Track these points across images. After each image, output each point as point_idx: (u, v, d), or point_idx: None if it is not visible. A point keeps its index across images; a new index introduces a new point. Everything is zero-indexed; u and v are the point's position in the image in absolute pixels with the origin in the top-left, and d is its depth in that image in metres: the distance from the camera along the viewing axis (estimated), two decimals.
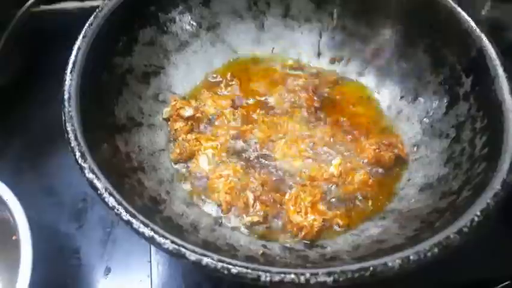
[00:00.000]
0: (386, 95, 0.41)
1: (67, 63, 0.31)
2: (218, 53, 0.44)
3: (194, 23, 0.42)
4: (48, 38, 0.50)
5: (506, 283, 0.36)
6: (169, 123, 0.38)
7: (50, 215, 0.40)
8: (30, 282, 0.29)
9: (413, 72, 0.40)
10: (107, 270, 0.38)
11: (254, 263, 0.28)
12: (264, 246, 0.31)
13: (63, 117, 0.28)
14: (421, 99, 0.39)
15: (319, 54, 0.44)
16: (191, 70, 0.42)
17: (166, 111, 0.38)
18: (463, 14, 0.35)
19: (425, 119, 0.38)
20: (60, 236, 0.40)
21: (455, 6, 0.35)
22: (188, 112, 0.38)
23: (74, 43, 0.32)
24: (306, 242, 0.32)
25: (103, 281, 0.37)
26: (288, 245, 0.32)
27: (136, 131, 0.36)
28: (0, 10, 0.42)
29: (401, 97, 0.41)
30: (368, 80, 0.43)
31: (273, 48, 0.45)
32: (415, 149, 0.37)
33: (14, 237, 0.32)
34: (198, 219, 0.32)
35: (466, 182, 0.30)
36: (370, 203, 0.35)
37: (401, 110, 0.40)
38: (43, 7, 0.51)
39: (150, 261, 0.36)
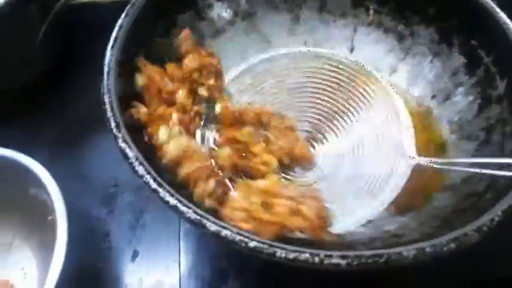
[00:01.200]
0: (416, 94, 0.41)
1: (108, 41, 0.32)
2: (252, 42, 0.44)
3: (230, 11, 0.43)
4: (85, 29, 0.53)
5: None
6: None
7: (83, 199, 0.42)
8: (65, 261, 0.30)
9: (446, 72, 0.40)
10: (136, 254, 0.39)
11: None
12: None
13: (101, 90, 0.30)
14: (453, 100, 0.39)
15: (352, 50, 0.45)
16: (224, 57, 0.43)
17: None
18: (501, 14, 0.34)
19: (455, 120, 0.38)
20: (92, 219, 0.42)
21: (494, 6, 0.35)
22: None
23: (111, 31, 0.34)
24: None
25: (131, 265, 0.39)
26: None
27: None
28: (39, 3, 0.44)
29: (433, 96, 0.40)
30: (400, 78, 0.42)
31: (306, 41, 0.45)
32: (443, 149, 0.37)
33: (49, 218, 0.33)
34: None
35: (490, 185, 0.30)
36: None
37: (431, 109, 0.40)
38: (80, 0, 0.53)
39: (179, 246, 0.37)
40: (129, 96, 0.32)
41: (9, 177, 0.36)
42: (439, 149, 0.37)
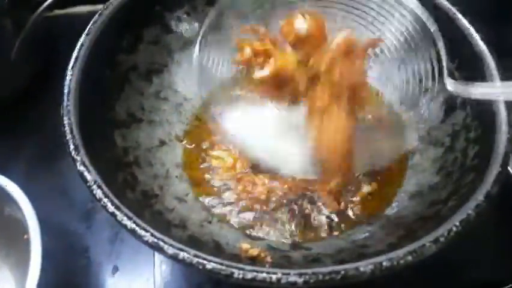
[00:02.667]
0: (386, 100, 0.41)
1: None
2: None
3: (199, 23, 0.43)
4: (62, 41, 0.52)
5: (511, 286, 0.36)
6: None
7: (61, 215, 0.42)
8: (40, 280, 0.30)
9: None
10: (115, 269, 0.39)
11: (236, 260, 0.29)
12: (250, 245, 0.32)
13: (61, 111, 0.29)
14: (420, 106, 0.39)
15: None
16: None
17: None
18: (463, 20, 0.35)
19: (422, 126, 0.38)
20: (70, 235, 0.41)
21: (456, 12, 0.35)
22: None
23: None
24: (292, 242, 0.33)
25: (110, 280, 0.39)
26: (273, 244, 0.32)
27: (135, 127, 0.37)
28: (14, 15, 0.43)
29: (401, 103, 0.40)
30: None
31: None
32: (411, 156, 0.37)
33: (25, 236, 0.33)
34: (188, 215, 0.33)
35: (454, 192, 0.30)
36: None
37: (400, 116, 0.40)
38: (56, 11, 0.53)
39: (153, 261, 0.37)
40: (92, 116, 0.32)
41: None
42: (408, 155, 0.38)
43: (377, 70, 0.42)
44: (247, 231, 0.33)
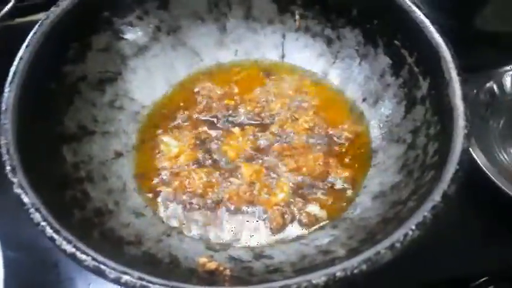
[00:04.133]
0: (348, 97, 0.40)
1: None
2: (180, 57, 0.43)
3: (153, 27, 0.42)
4: None
5: (485, 279, 0.36)
6: None
7: (30, 230, 0.39)
8: None
9: (374, 73, 0.39)
10: (87, 285, 0.37)
11: (193, 275, 0.28)
12: (211, 256, 0.31)
13: None
14: (382, 103, 0.38)
15: (283, 56, 0.44)
16: (151, 75, 0.42)
17: None
18: (418, 14, 0.34)
19: (385, 123, 0.37)
20: (40, 250, 0.38)
21: (411, 5, 0.34)
22: None
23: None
24: (255, 251, 0.32)
25: None
26: (235, 255, 0.31)
27: (87, 140, 0.35)
28: None
29: (363, 100, 0.40)
30: (332, 82, 0.42)
31: (237, 50, 0.44)
32: (374, 154, 0.37)
33: None
34: (145, 230, 0.32)
35: (414, 192, 0.29)
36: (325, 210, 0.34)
37: (362, 112, 0.39)
38: (17, 20, 0.50)
39: None
40: (35, 133, 0.30)
41: None
42: (371, 153, 0.37)
43: (340, 67, 0.41)
44: (208, 243, 0.32)
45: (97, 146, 0.36)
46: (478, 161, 0.38)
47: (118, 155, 0.37)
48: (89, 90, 0.37)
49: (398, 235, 0.24)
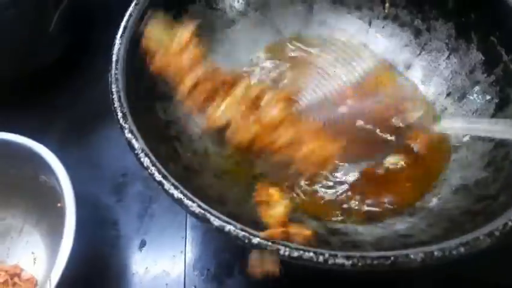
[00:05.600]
0: (431, 91, 0.40)
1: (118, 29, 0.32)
2: (264, 34, 0.44)
3: (243, 2, 0.43)
4: (101, 15, 0.52)
5: None
6: None
7: (93, 187, 0.42)
8: (73, 248, 0.31)
9: (463, 69, 0.38)
10: (143, 243, 0.40)
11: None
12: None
13: (109, 79, 0.29)
14: (469, 99, 0.38)
15: (365, 44, 0.44)
16: (236, 48, 0.43)
17: None
18: None
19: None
20: (101, 207, 0.42)
21: None
22: None
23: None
24: (329, 227, 0.32)
25: (138, 253, 0.39)
26: (312, 228, 0.32)
27: (176, 102, 0.37)
28: None
29: (447, 94, 0.39)
30: (415, 74, 0.41)
31: (320, 34, 0.44)
32: (455, 149, 0.36)
33: (58, 205, 0.34)
34: (226, 192, 0.33)
35: (504, 188, 0.29)
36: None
37: (445, 108, 0.39)
38: None
39: (185, 237, 0.38)
40: (137, 86, 0.32)
41: (20, 163, 0.36)
42: (453, 148, 0.36)
43: (425, 59, 0.41)
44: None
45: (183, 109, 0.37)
46: None
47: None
48: None
49: (497, 224, 0.24)
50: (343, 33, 0.44)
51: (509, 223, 0.24)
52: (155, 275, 0.38)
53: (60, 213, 0.32)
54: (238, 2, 0.42)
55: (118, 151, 0.45)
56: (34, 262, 0.38)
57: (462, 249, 0.23)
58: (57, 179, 0.33)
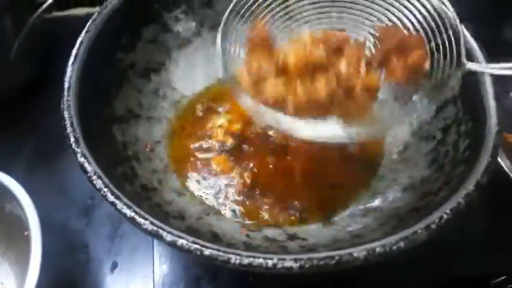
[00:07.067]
0: (380, 98, 0.42)
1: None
2: None
3: (196, 22, 0.44)
4: (61, 43, 0.52)
5: (505, 277, 0.37)
6: None
7: (61, 212, 0.42)
8: (40, 275, 0.30)
9: None
10: (114, 265, 0.40)
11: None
12: (247, 236, 0.33)
13: (61, 105, 0.30)
14: (414, 102, 0.40)
15: None
16: (192, 67, 0.44)
17: None
18: (452, 14, 0.35)
19: (415, 121, 0.39)
20: (71, 232, 0.42)
21: (447, 4, 0.36)
22: None
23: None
24: (288, 233, 0.34)
25: (109, 276, 0.39)
26: (270, 235, 0.33)
27: (134, 123, 0.38)
28: (14, 16, 0.44)
29: (395, 99, 0.41)
30: None
31: None
32: (403, 150, 0.38)
33: (25, 233, 0.33)
34: (186, 208, 0.34)
35: (445, 183, 0.31)
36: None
37: (393, 111, 0.41)
38: (55, 13, 0.53)
39: (153, 255, 0.38)
40: (91, 111, 0.32)
41: None
42: (402, 149, 0.38)
43: None
44: (245, 223, 0.34)
45: (142, 129, 0.38)
46: (502, 164, 0.39)
47: (160, 139, 0.39)
48: (137, 77, 0.40)
49: (433, 218, 0.26)
50: None
51: (445, 216, 0.26)
52: None
53: (27, 242, 0.32)
54: (192, 23, 0.44)
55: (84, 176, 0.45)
56: None
57: (402, 244, 0.25)
58: (22, 208, 0.34)
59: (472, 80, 0.33)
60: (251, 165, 0.38)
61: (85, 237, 0.41)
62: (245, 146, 0.39)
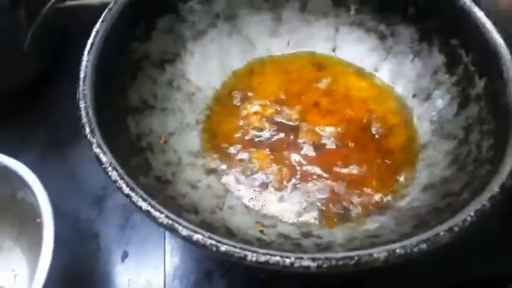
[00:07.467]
0: (399, 92, 0.41)
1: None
2: (234, 44, 0.44)
3: (212, 13, 0.43)
4: (73, 32, 0.52)
5: None
6: None
7: (72, 201, 0.42)
8: (52, 263, 0.30)
9: (427, 71, 0.40)
10: (125, 255, 0.39)
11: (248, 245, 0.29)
12: (261, 232, 0.32)
13: (77, 95, 0.30)
14: (433, 99, 0.39)
15: (334, 49, 0.45)
16: (206, 59, 0.43)
17: None
18: (480, 14, 0.34)
19: (435, 119, 0.38)
20: (82, 220, 0.42)
21: (473, 5, 0.35)
22: None
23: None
24: (303, 230, 0.33)
25: (120, 265, 0.39)
26: (285, 232, 0.32)
27: (148, 114, 0.37)
28: (27, 7, 0.43)
29: (414, 95, 0.40)
30: (383, 77, 0.42)
31: (289, 41, 0.45)
32: (423, 149, 0.37)
33: (37, 220, 0.33)
34: (200, 201, 0.33)
35: (468, 184, 0.30)
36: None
37: (412, 108, 0.40)
38: (68, 3, 0.53)
39: (164, 247, 0.38)
40: (106, 101, 0.32)
41: None
42: (420, 148, 0.37)
43: (391, 62, 0.42)
44: (259, 218, 0.33)
45: (156, 121, 0.37)
46: None
47: (174, 130, 0.38)
48: (151, 68, 0.39)
49: (457, 220, 0.25)
50: (311, 40, 0.45)
51: (468, 218, 0.25)
52: (138, 287, 0.38)
53: (40, 229, 0.32)
54: (207, 14, 0.43)
55: (96, 164, 0.44)
56: (15, 279, 0.38)
57: (424, 246, 0.24)
58: (34, 195, 0.33)
59: (496, 78, 0.32)
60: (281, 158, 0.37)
61: (95, 227, 0.41)
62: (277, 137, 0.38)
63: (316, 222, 0.33)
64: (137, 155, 0.33)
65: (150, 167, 0.33)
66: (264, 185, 0.35)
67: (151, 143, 0.35)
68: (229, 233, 0.30)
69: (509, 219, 0.40)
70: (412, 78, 0.41)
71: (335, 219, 0.33)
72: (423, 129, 0.38)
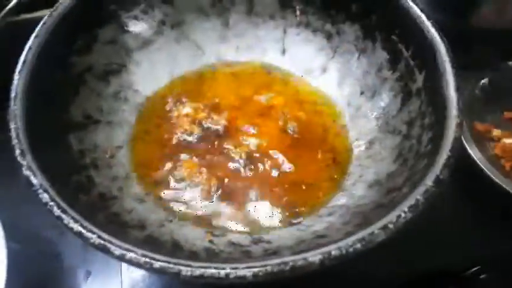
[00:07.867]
0: (346, 91, 0.41)
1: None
2: (183, 51, 0.44)
3: (157, 21, 0.43)
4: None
5: (476, 268, 0.37)
6: None
7: (34, 221, 0.41)
8: (7, 282, 0.30)
9: (372, 68, 0.40)
10: (88, 274, 0.39)
11: (195, 258, 0.29)
12: (211, 241, 0.32)
13: (7, 116, 0.29)
14: (379, 96, 0.39)
15: (284, 52, 0.45)
16: (154, 68, 0.43)
17: None
18: (415, 9, 0.35)
19: (381, 116, 0.38)
20: (44, 241, 0.41)
21: (408, 1, 0.35)
22: None
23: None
24: (253, 237, 0.33)
25: (83, 285, 0.39)
26: (234, 240, 0.32)
27: (92, 129, 0.36)
28: None
29: (361, 93, 0.41)
30: (331, 76, 0.43)
31: (238, 46, 0.45)
32: (370, 145, 0.38)
33: None
34: (148, 215, 0.33)
35: (408, 179, 0.30)
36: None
37: (360, 106, 0.40)
38: (23, 16, 0.51)
39: (121, 264, 0.37)
40: (43, 120, 0.31)
41: None
42: (368, 145, 0.38)
43: (339, 61, 0.42)
44: (209, 227, 0.33)
45: (101, 135, 0.37)
46: (470, 151, 0.39)
47: (122, 144, 0.38)
48: (95, 81, 0.38)
49: (391, 217, 0.25)
50: (260, 43, 0.45)
51: (403, 215, 0.25)
52: None
53: None
54: (152, 22, 0.43)
55: None
56: None
57: (359, 246, 0.24)
58: None
59: (434, 71, 0.33)
60: (216, 165, 0.37)
61: (58, 246, 0.40)
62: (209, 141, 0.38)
63: (264, 226, 0.33)
64: (79, 173, 0.32)
65: (94, 184, 0.32)
66: (207, 194, 0.35)
67: (96, 158, 0.35)
68: (175, 246, 0.30)
69: (463, 208, 0.41)
70: (359, 76, 0.41)
71: (280, 223, 0.33)
72: (370, 126, 0.38)
